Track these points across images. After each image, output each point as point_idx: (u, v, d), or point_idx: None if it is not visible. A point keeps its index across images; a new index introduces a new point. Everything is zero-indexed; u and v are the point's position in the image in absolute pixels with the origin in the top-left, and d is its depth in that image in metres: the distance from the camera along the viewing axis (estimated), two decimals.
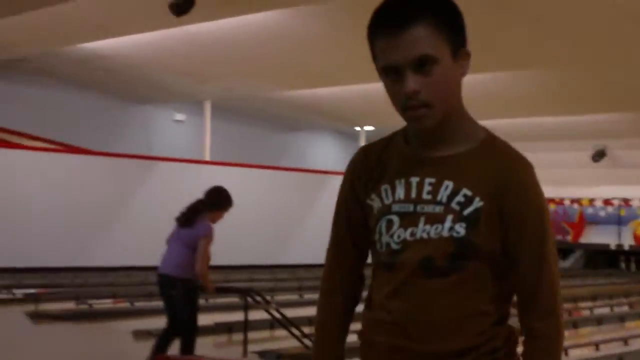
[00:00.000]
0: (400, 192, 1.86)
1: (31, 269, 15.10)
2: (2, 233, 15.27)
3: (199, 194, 7.09)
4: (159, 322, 9.00)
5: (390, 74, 1.80)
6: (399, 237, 1.85)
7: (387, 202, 1.87)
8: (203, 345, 7.21)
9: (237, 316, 8.38)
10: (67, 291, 12.78)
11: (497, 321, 1.86)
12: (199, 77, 17.28)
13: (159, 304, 10.64)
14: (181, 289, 6.69)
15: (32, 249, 15.48)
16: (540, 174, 1.90)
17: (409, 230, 1.83)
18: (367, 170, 1.93)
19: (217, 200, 6.94)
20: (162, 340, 6.93)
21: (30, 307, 11.23)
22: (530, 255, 1.84)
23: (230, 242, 13.56)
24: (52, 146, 17.83)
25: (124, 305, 11.85)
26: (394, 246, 1.85)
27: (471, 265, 1.82)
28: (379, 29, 1.79)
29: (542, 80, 15.66)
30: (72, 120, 18.90)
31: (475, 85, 12.80)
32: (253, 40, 14.10)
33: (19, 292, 12.45)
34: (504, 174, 1.83)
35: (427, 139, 1.88)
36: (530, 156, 1.93)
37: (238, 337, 8.27)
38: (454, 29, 1.81)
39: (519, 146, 1.97)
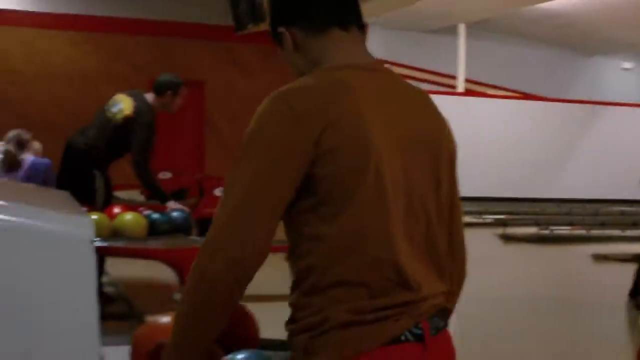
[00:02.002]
0: None
1: (498, 198, 16.38)
2: (477, 169, 15.75)
3: None
4: (615, 248, 10.50)
5: None
6: None
7: None
8: None
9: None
10: (529, 218, 13.44)
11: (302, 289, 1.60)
12: None
13: (613, 232, 12.18)
14: None
15: (498, 182, 16.72)
16: None
17: None
18: None
19: None
20: None
21: (499, 230, 12.03)
22: None
23: None
24: (513, 94, 18.87)
25: (581, 232, 12.32)
26: None
27: None
28: None
29: None
30: (529, 71, 19.30)
31: None
32: None
33: (488, 217, 13.30)
34: None
35: None
36: None
37: None
38: None
39: None
